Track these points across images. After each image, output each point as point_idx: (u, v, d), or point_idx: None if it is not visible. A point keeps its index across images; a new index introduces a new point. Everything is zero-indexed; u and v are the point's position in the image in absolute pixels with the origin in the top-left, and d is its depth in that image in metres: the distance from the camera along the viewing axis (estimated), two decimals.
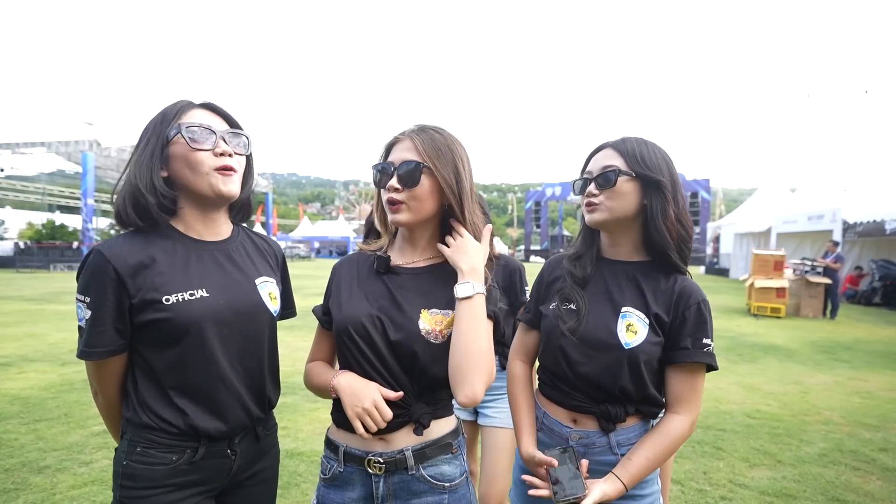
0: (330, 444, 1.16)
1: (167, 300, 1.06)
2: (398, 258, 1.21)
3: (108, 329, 1.05)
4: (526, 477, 1.16)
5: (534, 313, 1.33)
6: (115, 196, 1.12)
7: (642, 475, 1.11)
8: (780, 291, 10.41)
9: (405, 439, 1.09)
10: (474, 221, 1.16)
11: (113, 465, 1.12)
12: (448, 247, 1.14)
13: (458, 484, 1.13)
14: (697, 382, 1.16)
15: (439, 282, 1.15)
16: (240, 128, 1.16)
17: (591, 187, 1.22)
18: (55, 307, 10.43)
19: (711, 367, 1.16)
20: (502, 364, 1.84)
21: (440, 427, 1.13)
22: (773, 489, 2.93)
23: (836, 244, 11.53)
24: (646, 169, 1.18)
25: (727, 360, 6.41)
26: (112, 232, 32.06)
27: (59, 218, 37.23)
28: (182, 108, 1.11)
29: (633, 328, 1.16)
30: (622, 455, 1.16)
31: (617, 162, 1.20)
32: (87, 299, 1.04)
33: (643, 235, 1.22)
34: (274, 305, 1.24)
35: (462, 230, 1.13)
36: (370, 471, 1.08)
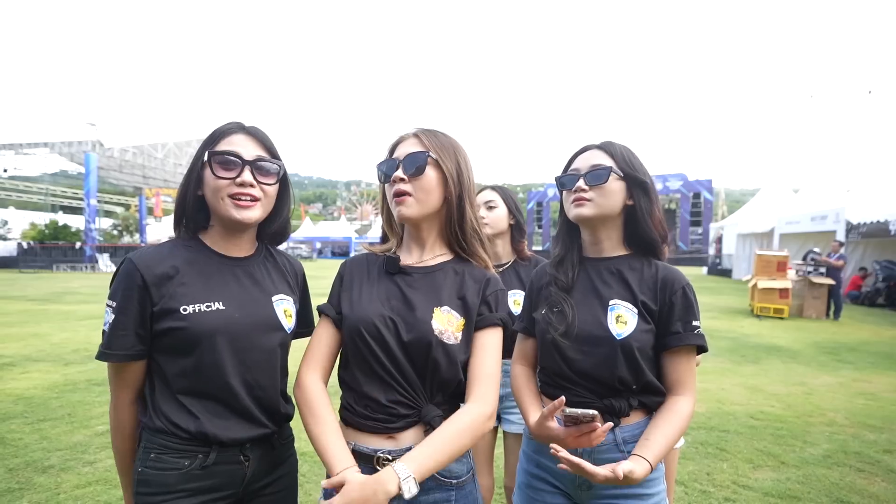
0: None
1: (184, 310, 1.10)
2: (407, 258, 1.21)
3: (130, 333, 1.10)
4: (553, 446, 1.06)
5: (527, 322, 1.36)
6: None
7: (663, 453, 1.10)
8: (783, 292, 10.39)
9: (414, 437, 1.09)
10: (474, 220, 1.20)
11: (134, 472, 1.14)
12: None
13: (465, 481, 1.14)
14: (692, 364, 1.20)
15: (449, 280, 1.17)
16: (275, 156, 1.21)
17: (581, 183, 1.24)
18: (58, 307, 10.47)
19: (702, 349, 1.20)
20: None
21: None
22: (776, 490, 2.92)
23: (841, 244, 11.50)
24: (633, 170, 1.24)
25: (730, 360, 6.40)
26: (115, 233, 32.16)
27: (62, 218, 37.36)
28: (224, 132, 1.18)
29: (622, 319, 1.19)
30: (628, 452, 1.15)
31: (607, 161, 1.24)
32: (114, 304, 1.11)
33: (625, 232, 1.28)
34: (289, 322, 1.26)
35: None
36: (379, 469, 1.07)
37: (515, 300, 1.92)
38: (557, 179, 1.31)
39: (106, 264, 24.25)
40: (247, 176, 1.14)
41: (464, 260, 1.22)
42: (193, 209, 1.19)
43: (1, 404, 4.23)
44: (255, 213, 1.17)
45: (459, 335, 1.12)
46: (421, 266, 1.19)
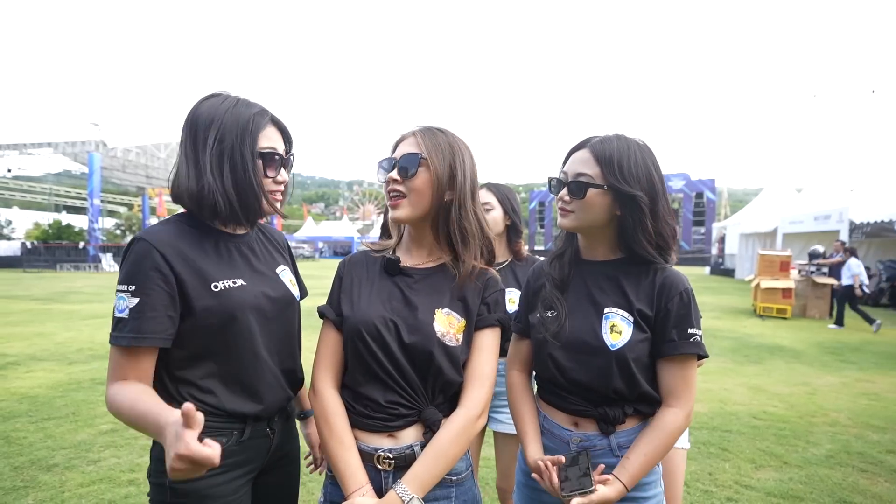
0: None
1: (215, 287, 1.09)
2: (407, 259, 1.21)
3: (161, 316, 1.03)
4: (536, 476, 1.15)
5: (524, 322, 1.32)
6: (183, 181, 1.13)
7: (642, 473, 1.10)
8: (786, 292, 10.36)
9: (414, 435, 1.10)
10: (475, 221, 1.17)
11: (153, 453, 1.11)
12: None
13: (465, 477, 1.15)
14: (688, 373, 1.14)
15: (449, 282, 1.17)
16: (292, 146, 1.25)
17: (564, 192, 1.19)
18: (62, 307, 10.51)
19: (702, 357, 1.15)
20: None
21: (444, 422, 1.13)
22: (779, 490, 2.92)
23: (842, 244, 11.46)
24: (620, 181, 1.13)
25: (733, 360, 6.39)
26: (118, 232, 32.26)
27: (66, 218, 37.54)
28: (260, 125, 1.14)
29: (616, 328, 1.15)
30: (622, 456, 1.15)
31: (591, 170, 1.16)
32: (132, 287, 1.02)
33: (618, 238, 1.21)
34: (296, 290, 1.31)
35: None
36: (379, 466, 1.09)
37: (511, 299, 1.92)
38: (549, 181, 1.28)
39: (109, 264, 24.33)
40: (283, 175, 1.20)
41: (465, 256, 1.19)
42: (250, 197, 1.13)
43: (6, 403, 4.25)
44: (279, 205, 1.23)
45: (461, 336, 1.12)
46: (422, 267, 1.19)
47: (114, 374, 1.04)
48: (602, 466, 1.12)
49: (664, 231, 1.17)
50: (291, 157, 1.24)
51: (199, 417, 0.76)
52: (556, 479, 1.10)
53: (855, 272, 9.38)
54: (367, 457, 1.09)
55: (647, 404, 1.18)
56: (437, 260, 1.20)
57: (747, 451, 3.50)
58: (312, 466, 1.51)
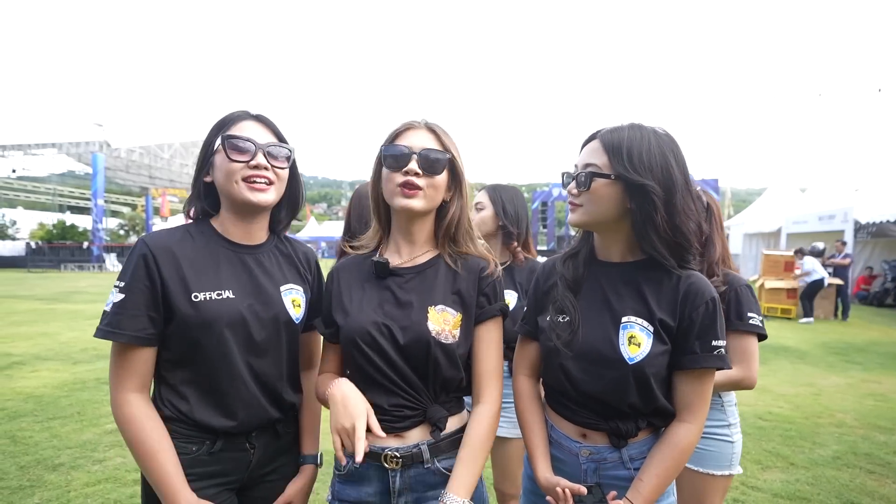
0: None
1: (195, 297, 1.10)
2: (396, 258, 1.20)
3: (142, 315, 1.07)
4: (550, 499, 1.12)
5: (531, 324, 1.26)
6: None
7: (656, 495, 1.05)
8: (790, 292, 10.31)
9: (420, 435, 1.11)
10: (468, 214, 1.22)
11: None
12: None
13: None
14: (706, 387, 1.08)
15: (441, 276, 1.16)
16: (285, 141, 1.22)
17: (572, 185, 1.14)
18: (66, 306, 10.55)
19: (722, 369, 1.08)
20: (510, 369, 1.82)
21: (453, 422, 1.14)
22: (786, 491, 2.90)
23: (843, 244, 11.43)
24: (629, 171, 1.05)
25: None
26: (122, 232, 32.38)
27: (70, 218, 37.66)
28: (235, 118, 1.18)
29: (635, 340, 1.07)
30: (635, 469, 1.11)
31: (599, 160, 1.09)
32: (122, 283, 1.08)
33: (636, 237, 1.11)
34: (296, 313, 1.25)
35: None
36: (387, 465, 1.09)
37: (506, 300, 1.90)
38: (562, 176, 1.22)
39: (113, 264, 24.41)
40: (260, 159, 1.15)
41: (456, 253, 1.20)
42: (202, 194, 1.20)
43: (11, 403, 4.27)
44: (270, 196, 1.18)
45: (457, 332, 1.12)
46: (411, 266, 1.18)
47: (119, 376, 1.07)
48: (614, 493, 1.08)
49: (683, 227, 1.06)
50: (277, 148, 1.19)
51: None
52: None
53: (807, 269, 10.06)
54: (375, 456, 1.09)
55: (661, 417, 1.12)
56: (425, 255, 1.19)
57: (753, 451, 3.48)
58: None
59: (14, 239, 31.16)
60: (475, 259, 1.19)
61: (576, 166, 1.15)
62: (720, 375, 1.21)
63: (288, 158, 1.22)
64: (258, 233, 1.25)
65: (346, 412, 1.02)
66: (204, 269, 1.13)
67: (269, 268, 1.24)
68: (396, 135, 1.17)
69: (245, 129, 1.16)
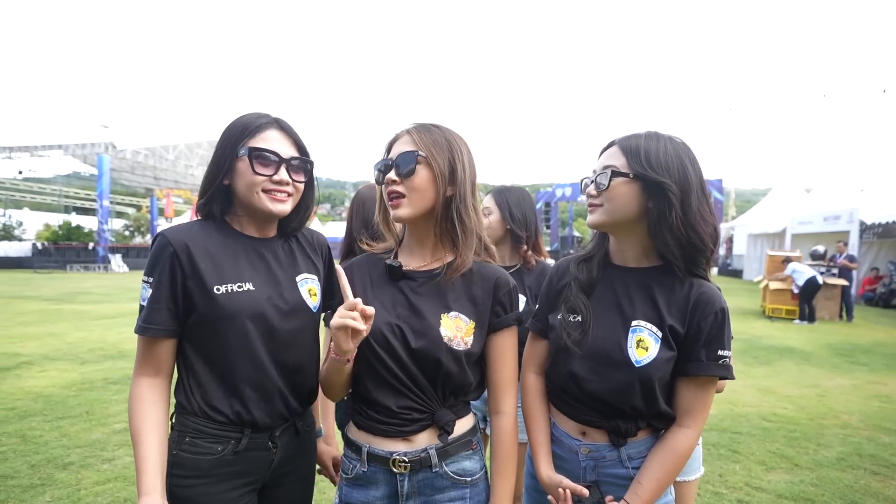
0: (351, 444, 1.17)
1: (217, 289, 1.12)
2: (409, 262, 1.19)
3: (163, 308, 1.11)
4: (551, 498, 1.17)
5: (543, 322, 1.28)
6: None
7: (655, 497, 1.08)
8: (795, 293, 10.27)
9: (428, 439, 1.11)
10: (475, 218, 1.16)
11: None
12: None
13: (479, 478, 1.15)
14: (708, 395, 1.11)
15: (456, 282, 1.15)
16: (307, 154, 1.24)
17: (591, 188, 1.17)
18: (73, 307, 10.63)
19: (725, 378, 1.10)
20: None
21: (461, 425, 1.14)
22: (790, 492, 2.91)
23: (845, 244, 11.42)
24: (647, 169, 1.08)
25: (742, 362, 6.35)
26: (127, 233, 32.54)
27: (75, 219, 37.87)
28: (260, 126, 1.19)
29: (643, 344, 1.10)
30: (633, 468, 1.14)
31: (617, 161, 1.13)
32: (150, 279, 1.12)
33: (651, 241, 1.14)
34: (314, 302, 1.28)
35: None
36: (395, 470, 1.09)
37: None
38: (581, 182, 1.25)
39: (118, 264, 24.54)
40: (283, 174, 1.18)
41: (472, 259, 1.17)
42: (219, 196, 1.21)
43: (21, 402, 4.32)
44: (287, 207, 1.22)
45: (470, 339, 1.11)
46: (425, 270, 1.17)
47: (138, 362, 1.14)
48: (611, 497, 1.12)
49: (698, 227, 1.08)
50: (300, 162, 1.22)
51: None
52: None
53: (787, 273, 10.18)
54: (383, 461, 1.10)
55: (661, 420, 1.15)
56: (440, 260, 1.17)
57: (757, 452, 3.48)
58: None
59: (20, 240, 31.34)
60: (491, 267, 1.18)
61: (594, 171, 1.19)
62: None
63: (307, 172, 1.25)
64: (270, 231, 1.28)
65: (338, 321, 1.00)
66: (224, 262, 1.16)
67: (283, 258, 1.26)
68: (386, 149, 1.17)
69: (270, 141, 1.18)
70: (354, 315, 0.99)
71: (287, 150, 1.20)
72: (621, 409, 1.13)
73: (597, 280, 1.20)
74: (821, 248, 11.17)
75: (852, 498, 2.86)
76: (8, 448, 3.34)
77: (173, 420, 1.18)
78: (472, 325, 1.12)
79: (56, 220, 37.42)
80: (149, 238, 34.52)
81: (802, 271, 9.91)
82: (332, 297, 1.35)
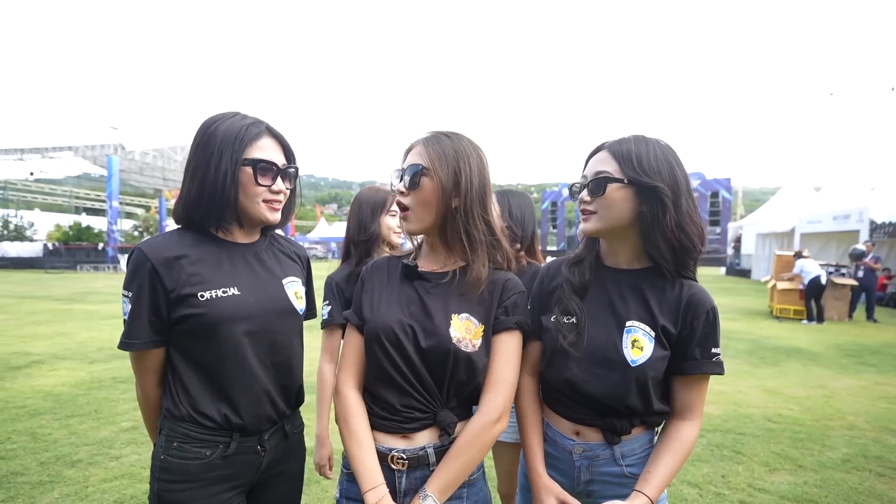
0: None
1: (202, 296, 1.13)
2: (425, 264, 1.22)
3: (144, 322, 1.12)
4: None
5: (535, 323, 1.27)
6: (180, 194, 1.22)
7: (664, 486, 1.10)
8: (803, 293, 10.18)
9: (429, 437, 1.13)
10: (482, 226, 1.15)
11: (151, 458, 1.19)
12: None
13: (476, 478, 1.16)
14: (704, 389, 1.15)
15: (466, 286, 1.15)
16: (293, 158, 1.26)
17: (584, 194, 1.17)
18: (83, 307, 10.76)
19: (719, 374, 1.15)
20: None
21: (461, 427, 1.15)
22: (793, 494, 2.89)
23: (872, 244, 11.32)
24: (640, 174, 1.10)
25: (748, 363, 6.31)
26: (136, 234, 32.86)
27: (85, 220, 38.29)
28: (255, 135, 1.18)
29: (638, 344, 1.12)
30: (626, 465, 1.15)
31: (610, 167, 1.13)
32: (129, 294, 1.13)
33: (643, 244, 1.16)
34: (300, 304, 1.31)
35: None
36: (393, 466, 1.11)
37: None
38: (570, 188, 1.25)
39: None
40: (280, 184, 1.21)
41: (485, 265, 1.17)
42: (215, 206, 1.17)
43: (31, 400, 4.39)
44: (279, 215, 1.25)
45: (478, 342, 1.12)
46: (439, 272, 1.19)
47: (137, 371, 1.20)
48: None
49: (687, 228, 1.11)
50: (292, 170, 1.25)
51: None
52: None
53: (796, 272, 10.04)
54: (382, 457, 1.12)
55: (655, 417, 1.17)
56: (454, 264, 1.18)
57: (761, 453, 3.47)
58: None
59: (32, 240, 31.75)
60: (503, 272, 1.19)
61: (584, 177, 1.19)
62: None
63: (295, 177, 1.27)
64: (254, 235, 1.29)
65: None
66: (207, 269, 1.16)
67: (268, 262, 1.28)
68: (403, 156, 1.19)
69: (266, 150, 1.19)
70: None
71: (279, 158, 1.22)
72: (617, 409, 1.14)
73: (590, 282, 1.22)
74: (861, 247, 11.02)
75: (856, 500, 2.84)
76: (18, 445, 3.40)
77: (161, 425, 1.19)
78: (481, 327, 1.13)
79: (67, 220, 37.87)
80: None
81: (810, 270, 9.83)
82: (311, 307, 1.40)
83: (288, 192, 1.25)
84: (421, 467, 1.11)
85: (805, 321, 9.85)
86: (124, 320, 1.14)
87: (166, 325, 1.14)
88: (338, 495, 1.21)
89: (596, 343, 1.15)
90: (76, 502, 2.69)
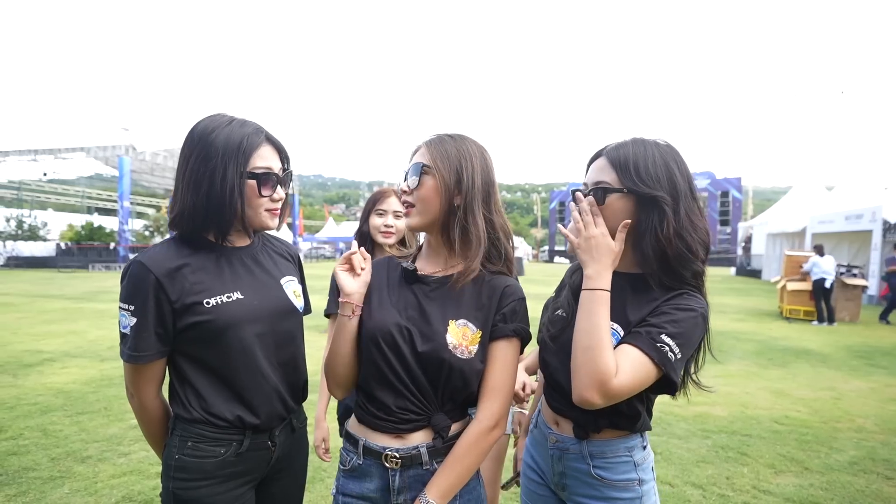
0: (350, 437, 1.21)
1: (207, 303, 1.16)
2: (426, 267, 1.22)
3: (151, 334, 1.13)
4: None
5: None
6: (173, 201, 1.22)
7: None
8: (812, 294, 10.07)
9: (422, 438, 1.14)
10: (482, 226, 1.15)
11: (163, 458, 1.22)
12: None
13: (470, 479, 1.16)
14: (631, 366, 1.01)
15: (468, 291, 1.16)
16: (289, 162, 1.28)
17: (584, 203, 1.16)
18: (94, 305, 10.91)
19: (669, 377, 1.02)
20: None
21: (456, 428, 1.16)
22: (798, 496, 2.87)
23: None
24: (639, 183, 1.09)
25: (756, 364, 6.26)
26: (147, 233, 33.22)
27: (97, 220, 38.74)
28: (255, 145, 1.18)
29: None
30: (594, 466, 1.16)
31: (608, 177, 1.13)
32: (132, 307, 1.13)
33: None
34: (299, 302, 1.34)
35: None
36: (387, 465, 1.13)
37: None
38: (572, 194, 1.24)
39: None
40: (280, 192, 1.24)
41: (485, 267, 1.18)
42: (230, 218, 1.18)
43: (43, 398, 4.47)
44: (278, 219, 1.27)
45: (474, 348, 1.12)
46: (439, 276, 1.19)
47: (134, 383, 1.20)
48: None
49: (687, 236, 1.08)
50: (288, 175, 1.27)
51: None
52: None
53: (826, 269, 9.72)
54: (376, 455, 1.14)
55: (623, 419, 1.15)
56: (453, 268, 1.18)
57: (767, 455, 3.44)
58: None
59: (45, 240, 32.20)
60: (503, 278, 1.19)
61: (585, 185, 1.19)
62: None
63: (289, 181, 1.29)
64: (247, 238, 1.31)
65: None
66: (208, 276, 1.18)
67: (265, 264, 1.30)
68: (409, 157, 1.21)
69: (267, 158, 1.21)
70: (352, 257, 1.15)
71: (277, 164, 1.24)
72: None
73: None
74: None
75: (863, 502, 2.81)
76: (30, 441, 3.47)
77: (173, 426, 1.21)
78: (478, 334, 1.13)
79: (79, 220, 38.34)
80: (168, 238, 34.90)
81: (819, 270, 9.70)
82: (308, 303, 1.42)
83: (285, 195, 1.28)
84: (414, 466, 1.13)
85: (815, 322, 9.74)
86: (124, 333, 1.14)
87: (171, 335, 1.16)
88: (334, 491, 1.24)
89: (570, 337, 1.15)
90: (85, 497, 2.74)
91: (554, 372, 1.21)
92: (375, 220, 1.99)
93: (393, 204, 2.01)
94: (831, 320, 9.71)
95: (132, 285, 1.13)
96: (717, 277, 23.54)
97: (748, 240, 26.24)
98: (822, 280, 9.57)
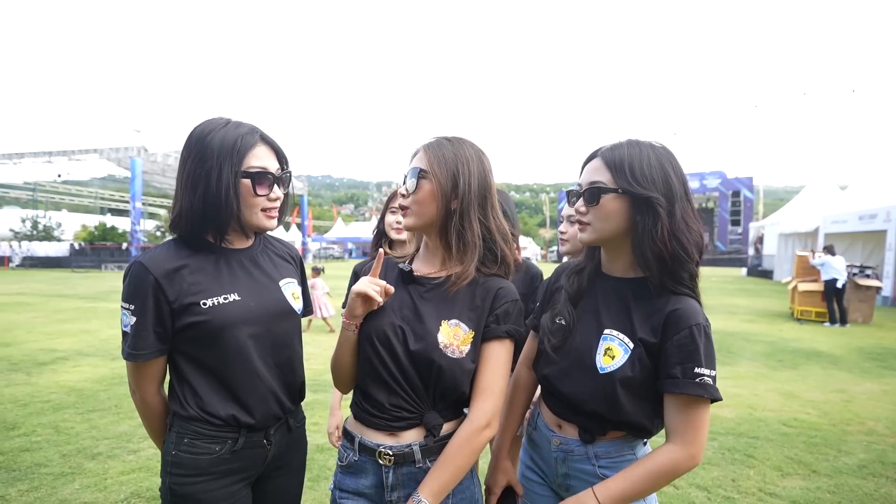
0: (347, 434, 1.23)
1: (204, 304, 1.18)
2: (422, 268, 1.25)
3: (150, 333, 1.16)
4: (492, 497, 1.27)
5: (538, 319, 1.33)
6: (173, 204, 1.24)
7: (621, 497, 1.06)
8: (825, 295, 9.94)
9: (415, 436, 1.16)
10: (478, 230, 1.16)
11: (161, 454, 1.24)
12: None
13: (463, 477, 1.17)
14: (694, 415, 1.05)
15: (462, 291, 1.17)
16: (287, 164, 1.29)
17: (579, 203, 1.17)
18: (107, 305, 11.09)
19: (714, 400, 1.04)
20: None
21: (449, 427, 1.18)
22: (805, 499, 2.85)
23: None
24: (633, 184, 1.08)
25: (766, 365, 6.19)
26: (158, 234, 33.63)
27: (110, 220, 39.31)
28: (249, 145, 1.20)
29: (611, 352, 1.11)
30: (600, 467, 1.16)
31: (603, 177, 1.12)
32: (132, 307, 1.16)
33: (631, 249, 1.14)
34: (297, 304, 1.35)
35: None
36: (381, 462, 1.15)
37: None
38: (567, 194, 1.26)
39: None
40: (277, 192, 1.24)
41: (480, 271, 1.19)
42: (226, 219, 1.19)
43: (55, 395, 4.55)
44: (276, 221, 1.28)
45: (466, 348, 1.14)
46: (434, 277, 1.21)
47: (136, 381, 1.23)
48: None
49: (682, 237, 1.07)
50: (286, 175, 1.27)
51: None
52: None
53: (837, 268, 9.58)
54: (370, 451, 1.16)
55: (632, 429, 1.15)
56: (451, 269, 1.19)
57: (774, 458, 3.41)
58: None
59: (59, 240, 32.72)
60: (498, 280, 1.20)
61: (579, 185, 1.19)
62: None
63: (288, 181, 1.30)
64: (248, 239, 1.32)
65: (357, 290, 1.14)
66: (206, 278, 1.20)
67: (264, 266, 1.31)
68: (410, 160, 1.22)
69: (262, 158, 1.22)
70: (377, 288, 1.13)
71: (274, 164, 1.25)
72: (584, 411, 1.16)
73: (585, 291, 1.24)
74: None
75: None
76: (42, 438, 3.54)
77: (171, 423, 1.24)
78: (470, 334, 1.15)
79: (92, 221, 38.92)
80: None
81: (830, 269, 9.55)
82: (306, 305, 1.42)
83: (283, 196, 1.29)
84: (407, 464, 1.14)
85: (827, 324, 9.60)
86: (125, 332, 1.17)
87: (170, 334, 1.18)
88: (332, 486, 1.26)
89: (575, 346, 1.17)
90: (95, 493, 2.80)
91: (555, 381, 1.20)
92: (389, 218, 2.08)
93: None
94: (843, 321, 9.56)
95: (132, 285, 1.16)
96: (727, 278, 23.28)
97: (760, 240, 25.93)
98: (834, 280, 9.44)
